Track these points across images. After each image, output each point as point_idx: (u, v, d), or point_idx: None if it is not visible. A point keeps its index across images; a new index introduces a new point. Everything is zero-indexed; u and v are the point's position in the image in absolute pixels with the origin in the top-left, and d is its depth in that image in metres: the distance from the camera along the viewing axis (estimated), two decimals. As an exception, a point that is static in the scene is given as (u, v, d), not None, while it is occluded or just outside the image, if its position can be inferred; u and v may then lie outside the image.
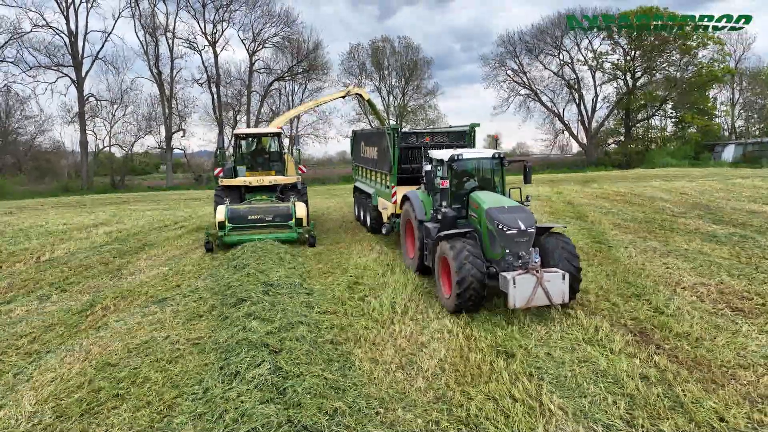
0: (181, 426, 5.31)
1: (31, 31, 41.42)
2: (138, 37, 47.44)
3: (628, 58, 55.41)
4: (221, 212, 13.80)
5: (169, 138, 46.23)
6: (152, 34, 44.48)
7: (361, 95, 19.42)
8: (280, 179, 15.88)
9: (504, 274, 7.98)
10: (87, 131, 44.37)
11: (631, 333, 7.55)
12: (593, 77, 56.75)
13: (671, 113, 59.06)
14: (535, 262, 8.11)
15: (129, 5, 43.71)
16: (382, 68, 55.65)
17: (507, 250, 8.33)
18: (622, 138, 57.83)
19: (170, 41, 45.36)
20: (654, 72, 54.82)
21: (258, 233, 13.67)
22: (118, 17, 44.44)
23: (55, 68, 42.28)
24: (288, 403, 5.45)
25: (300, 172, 16.73)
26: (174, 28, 45.10)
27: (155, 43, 44.82)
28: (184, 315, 8.75)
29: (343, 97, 19.40)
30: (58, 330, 8.21)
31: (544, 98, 57.50)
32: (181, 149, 49.41)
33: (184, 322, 8.40)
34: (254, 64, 48.68)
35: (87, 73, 43.38)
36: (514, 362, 6.66)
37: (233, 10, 46.48)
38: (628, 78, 56.29)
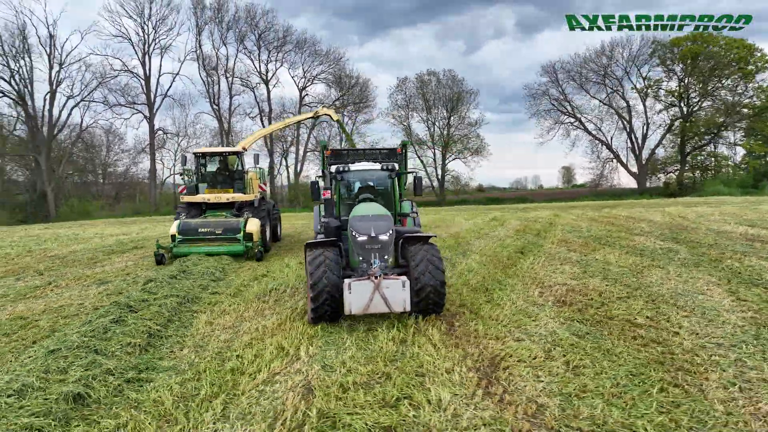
0: (29, 354, 7.25)
1: (117, 75, 48.11)
2: (201, 77, 53.06)
3: (683, 84, 53.85)
4: (174, 226, 14.93)
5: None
6: (213, 75, 49.77)
7: (330, 115, 21.26)
8: (237, 197, 16.96)
9: (345, 280, 7.92)
10: (156, 161, 50.01)
11: (441, 315, 8.62)
12: (644, 104, 55.60)
13: (740, 140, 56.26)
14: (374, 268, 8.23)
15: (194, 50, 49.41)
16: (428, 100, 57.96)
17: (360, 258, 8.42)
18: (677, 166, 55.69)
19: (229, 80, 50.44)
20: (710, 98, 52.79)
21: (206, 245, 14.64)
22: (184, 60, 50.46)
23: (130, 105, 48.47)
24: (102, 338, 7.25)
25: (260, 190, 18.48)
26: (234, 69, 50.16)
27: (216, 82, 50.04)
28: (111, 291, 10.87)
29: (313, 117, 21.27)
30: (7, 298, 10.58)
31: (590, 126, 56.97)
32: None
33: (106, 296, 10.50)
34: (303, 98, 52.73)
35: (157, 109, 49.25)
36: (319, 330, 8.00)
37: (285, 51, 51.10)
38: (682, 105, 54.55)
